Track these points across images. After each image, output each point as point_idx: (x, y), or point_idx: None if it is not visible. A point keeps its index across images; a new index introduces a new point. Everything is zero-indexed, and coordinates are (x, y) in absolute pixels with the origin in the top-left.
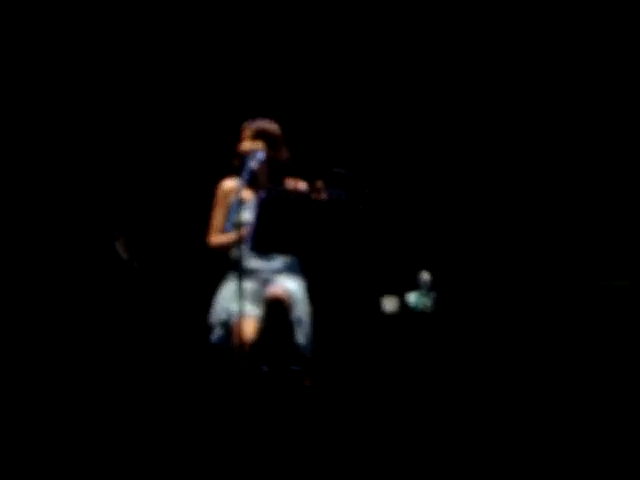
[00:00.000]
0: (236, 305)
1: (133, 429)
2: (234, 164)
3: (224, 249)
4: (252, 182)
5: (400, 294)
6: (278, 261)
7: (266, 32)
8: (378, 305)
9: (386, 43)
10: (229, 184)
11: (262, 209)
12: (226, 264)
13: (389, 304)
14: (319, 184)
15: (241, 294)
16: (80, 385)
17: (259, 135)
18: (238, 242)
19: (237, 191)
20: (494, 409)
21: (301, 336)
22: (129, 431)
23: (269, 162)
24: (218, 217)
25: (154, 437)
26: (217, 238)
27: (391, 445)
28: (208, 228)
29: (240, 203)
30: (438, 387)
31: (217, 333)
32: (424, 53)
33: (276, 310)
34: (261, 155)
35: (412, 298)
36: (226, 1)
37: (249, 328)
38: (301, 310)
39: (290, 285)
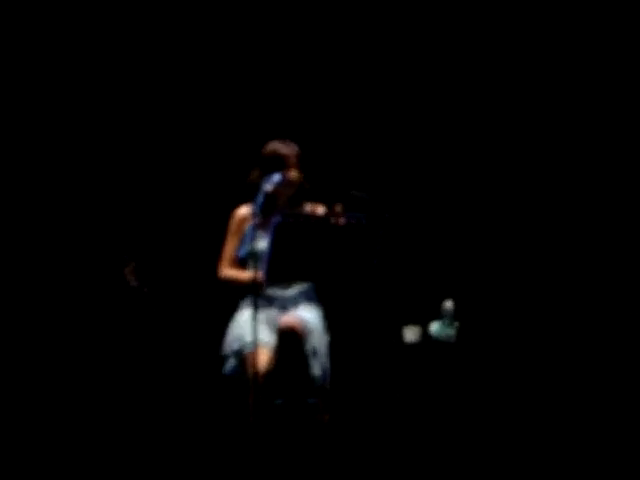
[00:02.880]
0: (250, 335)
1: (145, 462)
2: (251, 180)
3: (233, 285)
4: (269, 208)
5: (422, 324)
6: (294, 289)
7: (288, 57)
8: (399, 335)
9: (413, 67)
10: (244, 211)
11: (277, 234)
12: (240, 292)
13: (411, 334)
14: (338, 208)
15: (255, 323)
16: (86, 417)
17: (266, 161)
18: (249, 284)
19: (252, 217)
20: (519, 440)
21: (317, 368)
22: (141, 464)
23: (286, 187)
24: (230, 246)
25: (167, 472)
26: (228, 272)
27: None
28: (220, 257)
29: (255, 229)
30: (461, 419)
31: (230, 364)
32: (453, 75)
33: (289, 340)
34: (277, 177)
35: (435, 328)
36: (251, 25)
37: (263, 359)
38: (317, 340)
39: (305, 314)
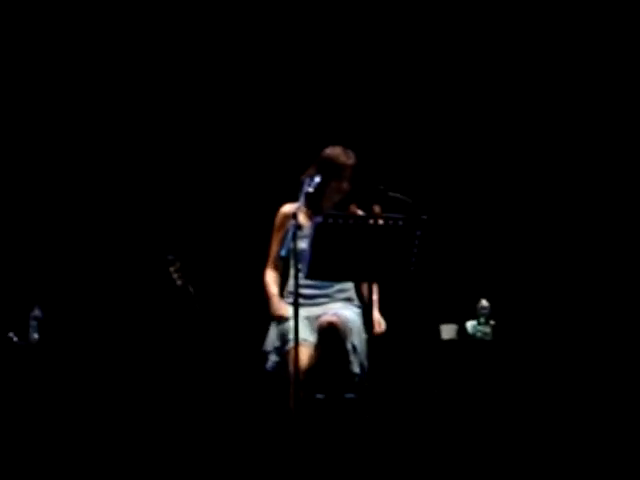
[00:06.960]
0: (291, 332)
1: (190, 456)
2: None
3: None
4: (315, 209)
5: (459, 322)
6: (334, 288)
7: (335, 62)
8: (436, 333)
9: (457, 74)
10: (288, 208)
11: (317, 234)
12: (282, 291)
13: (447, 332)
14: (377, 209)
15: (296, 321)
16: (134, 413)
17: (322, 163)
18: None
19: (294, 216)
20: (555, 438)
21: (356, 364)
22: (188, 458)
23: (334, 193)
24: (274, 243)
25: (211, 466)
26: (267, 277)
27: (449, 474)
28: (268, 255)
29: (296, 228)
30: (497, 417)
31: (272, 360)
32: (491, 83)
33: (330, 338)
34: (317, 180)
35: (471, 326)
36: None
37: (304, 355)
38: (356, 338)
39: (345, 312)
